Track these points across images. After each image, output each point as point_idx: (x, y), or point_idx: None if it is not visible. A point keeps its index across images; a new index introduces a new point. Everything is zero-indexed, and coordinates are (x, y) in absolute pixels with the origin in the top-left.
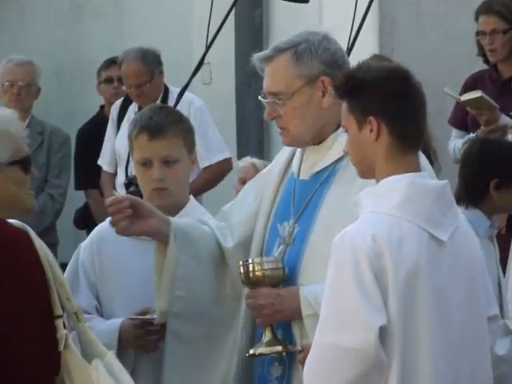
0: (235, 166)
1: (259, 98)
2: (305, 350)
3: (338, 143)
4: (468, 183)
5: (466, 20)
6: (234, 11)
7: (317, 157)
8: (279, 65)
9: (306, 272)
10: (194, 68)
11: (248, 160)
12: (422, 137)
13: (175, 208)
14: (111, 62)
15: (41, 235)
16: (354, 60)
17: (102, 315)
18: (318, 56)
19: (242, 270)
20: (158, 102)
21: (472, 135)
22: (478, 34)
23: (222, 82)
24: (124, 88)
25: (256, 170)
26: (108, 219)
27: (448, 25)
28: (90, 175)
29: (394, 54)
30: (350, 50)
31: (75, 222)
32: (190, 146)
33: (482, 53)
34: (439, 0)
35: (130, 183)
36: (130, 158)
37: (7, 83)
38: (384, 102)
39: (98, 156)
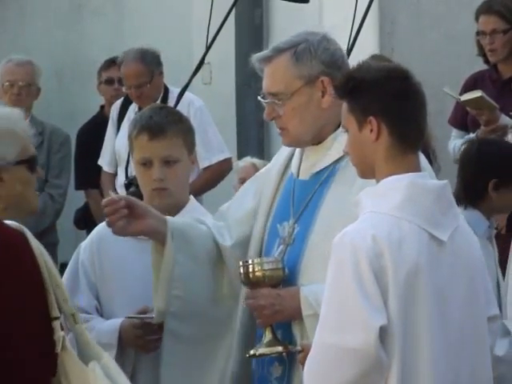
0: (235, 166)
1: (258, 98)
2: (305, 350)
3: (337, 143)
4: (466, 184)
5: (466, 20)
6: (234, 11)
7: (316, 157)
8: (279, 65)
9: (306, 272)
10: (194, 68)
11: (248, 160)
12: (422, 137)
13: (175, 208)
14: (111, 63)
15: (41, 235)
16: (354, 60)
17: (101, 315)
18: (318, 56)
19: (241, 271)
20: (158, 102)
21: (472, 135)
22: (478, 33)
23: (222, 82)
24: (124, 89)
25: (256, 170)
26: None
27: (448, 25)
28: (90, 175)
29: (394, 54)
30: (350, 50)
31: (75, 222)
32: (190, 145)
33: (482, 53)
34: (439, 0)
35: (130, 184)
36: (130, 158)
37: (7, 83)
38: (384, 102)
39: (98, 156)
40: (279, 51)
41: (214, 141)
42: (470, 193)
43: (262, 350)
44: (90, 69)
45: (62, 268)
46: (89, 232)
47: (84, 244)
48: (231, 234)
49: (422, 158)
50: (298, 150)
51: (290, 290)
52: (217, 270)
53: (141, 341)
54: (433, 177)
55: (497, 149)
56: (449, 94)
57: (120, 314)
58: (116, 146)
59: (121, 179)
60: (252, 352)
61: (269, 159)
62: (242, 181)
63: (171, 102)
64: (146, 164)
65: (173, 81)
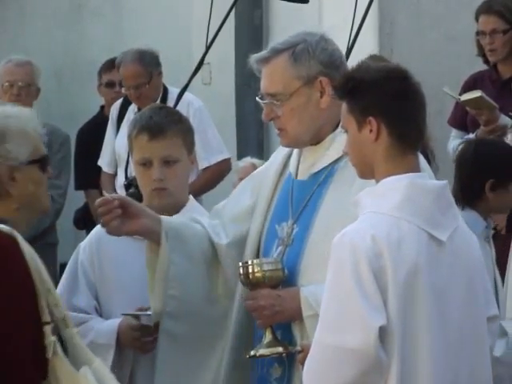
0: (235, 166)
1: (257, 99)
2: (304, 350)
3: (335, 143)
4: (464, 184)
5: (466, 20)
6: (233, 11)
7: (315, 157)
8: (277, 66)
9: (306, 273)
10: (193, 68)
11: (248, 160)
12: (421, 137)
13: (175, 208)
14: (112, 65)
15: (41, 235)
16: (353, 60)
17: (101, 315)
18: (316, 57)
19: (241, 271)
20: (157, 102)
21: (471, 135)
22: (477, 33)
23: (221, 82)
24: (123, 90)
25: None
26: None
27: (448, 25)
28: (89, 175)
29: (393, 54)
30: (349, 50)
31: (75, 222)
32: (190, 146)
33: (481, 53)
34: (439, 0)
35: (130, 184)
36: (130, 159)
37: (7, 83)
38: (383, 102)
39: (97, 156)
40: (277, 52)
41: (213, 141)
42: (467, 193)
43: (262, 351)
44: (90, 69)
45: (62, 268)
46: (88, 232)
47: (83, 244)
48: (227, 233)
49: (421, 158)
50: (296, 150)
51: (290, 291)
52: (212, 270)
53: (138, 342)
54: (432, 177)
55: (494, 149)
56: (448, 94)
57: (119, 314)
58: (116, 147)
59: (120, 180)
60: (252, 353)
61: (268, 159)
62: None
63: (170, 103)
64: (146, 164)
65: (172, 81)
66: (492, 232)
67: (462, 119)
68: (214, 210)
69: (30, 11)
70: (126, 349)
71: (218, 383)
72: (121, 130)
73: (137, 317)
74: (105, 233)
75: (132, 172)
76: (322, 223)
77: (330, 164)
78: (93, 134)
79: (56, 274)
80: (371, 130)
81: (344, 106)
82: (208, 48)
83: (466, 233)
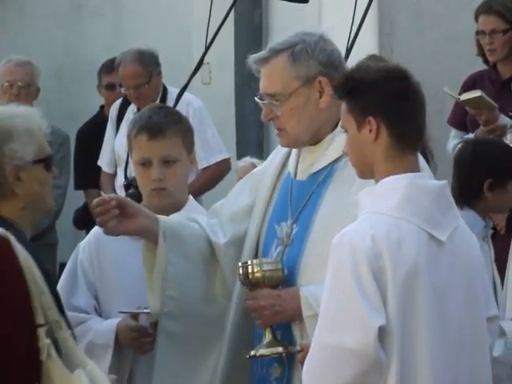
0: (235, 166)
1: (256, 99)
2: (304, 350)
3: (335, 143)
4: (462, 184)
5: (465, 20)
6: (233, 11)
7: (314, 157)
8: (276, 66)
9: (306, 273)
10: (193, 68)
11: (248, 160)
12: (421, 137)
13: (174, 208)
14: (112, 67)
15: (40, 235)
16: (353, 61)
17: (100, 315)
18: (315, 57)
19: (241, 272)
20: (157, 102)
21: (471, 135)
22: (477, 33)
23: (221, 82)
24: (123, 90)
25: None
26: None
27: (448, 25)
28: (89, 175)
29: (393, 54)
30: (349, 50)
31: (75, 222)
32: (189, 145)
33: (481, 53)
34: (439, 0)
35: (130, 185)
36: (130, 159)
37: (6, 83)
38: (383, 102)
39: (97, 156)
40: (276, 52)
41: (213, 141)
42: (465, 193)
43: (262, 351)
44: (90, 69)
45: (62, 268)
46: (88, 232)
47: (83, 244)
48: (225, 232)
49: (420, 158)
50: (294, 150)
51: (290, 291)
52: (209, 269)
53: (136, 343)
54: (431, 177)
55: (492, 149)
56: (448, 93)
57: (118, 314)
58: (115, 147)
59: (120, 180)
60: (252, 353)
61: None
62: None
63: (170, 103)
64: (145, 164)
65: (172, 81)
66: (491, 232)
67: (461, 119)
68: (211, 210)
69: (30, 11)
70: (125, 349)
71: (215, 383)
72: (120, 129)
73: (135, 317)
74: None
75: (132, 172)
76: (322, 223)
77: (329, 164)
78: (92, 134)
79: (56, 274)
80: (371, 130)
81: (344, 105)
82: (208, 48)
83: (465, 233)
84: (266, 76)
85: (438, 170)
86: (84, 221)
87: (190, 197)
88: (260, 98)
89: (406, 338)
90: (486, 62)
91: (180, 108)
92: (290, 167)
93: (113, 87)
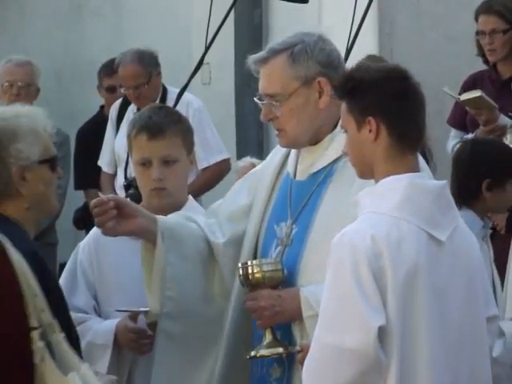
0: (235, 167)
1: (255, 99)
2: (304, 350)
3: (334, 143)
4: (460, 184)
5: (465, 20)
6: (233, 11)
7: (313, 157)
8: (275, 66)
9: (306, 273)
10: (193, 68)
11: (248, 160)
12: (421, 137)
13: (174, 208)
14: (112, 70)
15: (40, 235)
16: (353, 61)
17: (99, 315)
18: (314, 57)
19: (240, 272)
20: (157, 102)
21: (471, 135)
22: (477, 33)
23: (221, 82)
24: (122, 90)
25: None
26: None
27: (448, 25)
28: (89, 175)
29: (393, 54)
30: (349, 50)
31: (74, 222)
32: (189, 146)
33: (481, 53)
34: (439, 0)
35: (130, 185)
36: (129, 159)
37: (6, 83)
38: (383, 102)
39: (97, 156)
40: (275, 52)
41: (213, 141)
42: (463, 193)
43: (262, 352)
44: (90, 69)
45: (62, 268)
46: (88, 232)
47: (82, 244)
48: (223, 231)
49: (420, 158)
50: (294, 151)
51: (290, 291)
52: (208, 269)
53: (134, 344)
54: (431, 177)
55: (490, 149)
56: (448, 93)
57: (117, 314)
58: (115, 147)
59: (120, 180)
60: (252, 354)
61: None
62: None
63: (170, 103)
64: (145, 164)
65: (172, 81)
66: (490, 231)
67: (461, 119)
68: (209, 209)
69: (30, 11)
70: (124, 349)
71: (212, 383)
72: (120, 130)
73: (134, 318)
74: None
75: (131, 172)
76: (322, 223)
77: (328, 164)
78: (92, 134)
79: (56, 274)
80: (370, 130)
81: (343, 105)
82: (208, 48)
83: (465, 233)
84: (265, 76)
85: (437, 169)
86: (84, 221)
87: (190, 197)
88: (259, 99)
89: (405, 338)
90: (485, 62)
91: (180, 108)
92: (289, 167)
93: (113, 90)
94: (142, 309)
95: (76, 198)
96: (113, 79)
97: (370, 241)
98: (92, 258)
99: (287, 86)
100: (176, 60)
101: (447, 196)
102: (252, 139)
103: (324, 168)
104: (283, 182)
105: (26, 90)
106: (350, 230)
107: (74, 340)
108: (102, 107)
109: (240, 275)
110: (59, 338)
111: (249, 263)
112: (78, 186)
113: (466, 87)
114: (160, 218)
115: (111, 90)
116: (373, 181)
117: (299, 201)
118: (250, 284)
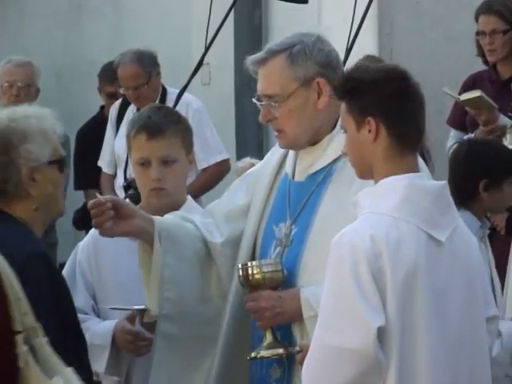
0: (234, 167)
1: (254, 100)
2: (304, 350)
3: (333, 144)
4: (457, 185)
5: (465, 20)
6: (233, 12)
7: (312, 158)
8: (274, 67)
9: (305, 273)
10: (193, 69)
11: (247, 161)
12: (421, 137)
13: (173, 208)
14: (113, 76)
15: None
16: (353, 61)
17: (98, 315)
18: (313, 57)
19: (240, 273)
20: (156, 103)
21: (470, 135)
22: (477, 34)
23: (221, 82)
24: (122, 91)
25: None
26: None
27: (447, 25)
28: (89, 175)
29: (393, 54)
30: (349, 50)
31: (74, 222)
32: (189, 146)
33: (481, 53)
34: (439, 0)
35: (129, 186)
36: (129, 159)
37: (6, 84)
38: (382, 102)
39: (97, 156)
40: (274, 53)
41: (212, 142)
42: (461, 193)
43: (262, 353)
44: (90, 69)
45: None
46: (87, 232)
47: (81, 244)
48: (221, 231)
49: (419, 158)
50: (292, 151)
51: (290, 292)
52: (205, 269)
53: (131, 346)
54: (430, 178)
55: (486, 149)
56: (448, 93)
57: (116, 315)
58: (115, 147)
59: (120, 181)
60: (253, 354)
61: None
62: None
63: (169, 103)
64: (144, 164)
65: (172, 81)
66: (488, 232)
67: (461, 119)
68: (206, 209)
69: (30, 11)
70: (122, 350)
71: (209, 383)
72: (120, 130)
73: (132, 320)
74: None
75: (131, 173)
76: (321, 224)
77: (328, 164)
78: (92, 134)
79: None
80: (370, 130)
81: (343, 106)
82: (207, 48)
83: (465, 233)
84: (263, 77)
85: (436, 170)
86: (83, 221)
87: (189, 197)
88: (258, 99)
89: (405, 339)
90: (485, 62)
91: (179, 108)
92: (288, 168)
93: (114, 96)
94: (135, 307)
95: (76, 199)
96: (113, 87)
97: (370, 241)
98: (91, 259)
99: (286, 87)
100: (176, 60)
101: (447, 196)
102: (252, 140)
103: (323, 168)
104: (281, 183)
105: (26, 90)
106: (349, 230)
107: (82, 338)
108: (102, 107)
109: (240, 276)
110: (42, 341)
111: (249, 264)
112: (77, 187)
113: (466, 87)
114: (157, 218)
115: (112, 97)
116: (372, 181)
117: (298, 201)
118: (250, 285)
